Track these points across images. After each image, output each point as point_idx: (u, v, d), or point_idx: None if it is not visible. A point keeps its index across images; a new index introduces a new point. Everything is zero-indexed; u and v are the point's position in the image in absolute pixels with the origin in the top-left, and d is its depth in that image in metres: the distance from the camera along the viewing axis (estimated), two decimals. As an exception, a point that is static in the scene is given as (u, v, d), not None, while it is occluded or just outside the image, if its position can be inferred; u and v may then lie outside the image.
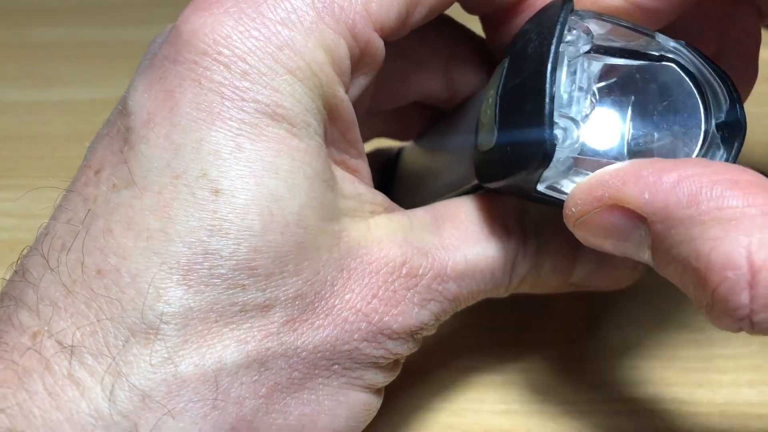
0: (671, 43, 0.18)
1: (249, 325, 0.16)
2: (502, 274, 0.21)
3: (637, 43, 0.18)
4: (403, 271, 0.19)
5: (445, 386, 0.25)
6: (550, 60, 0.17)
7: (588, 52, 0.18)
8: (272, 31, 0.17)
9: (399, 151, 0.30)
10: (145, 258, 0.16)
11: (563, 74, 0.18)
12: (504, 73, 0.19)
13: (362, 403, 0.19)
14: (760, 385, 0.24)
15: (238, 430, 0.16)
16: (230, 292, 0.16)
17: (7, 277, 0.18)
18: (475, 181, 0.21)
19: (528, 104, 0.17)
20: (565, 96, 0.18)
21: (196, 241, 0.16)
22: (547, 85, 0.17)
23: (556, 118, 0.17)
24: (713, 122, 0.18)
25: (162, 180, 0.16)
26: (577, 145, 0.17)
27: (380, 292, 0.18)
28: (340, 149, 0.19)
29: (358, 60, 0.19)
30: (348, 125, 0.19)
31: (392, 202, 0.21)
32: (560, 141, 0.17)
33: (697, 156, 0.18)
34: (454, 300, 0.20)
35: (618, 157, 0.18)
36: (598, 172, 0.17)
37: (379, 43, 0.19)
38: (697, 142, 0.18)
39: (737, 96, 0.18)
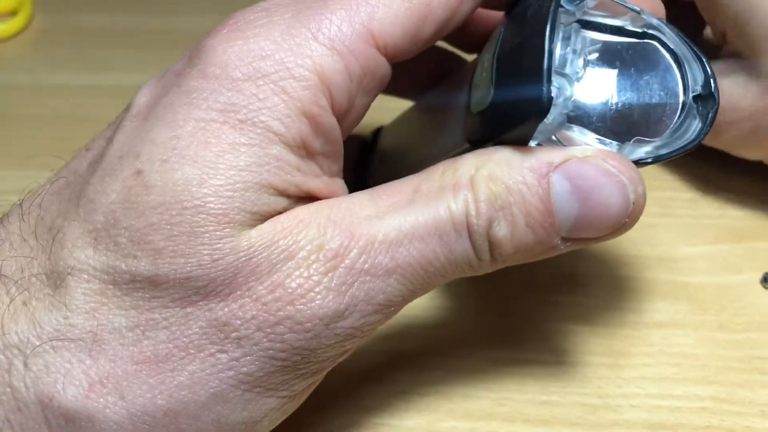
0: (654, 20, 0.19)
1: (139, 294, 0.17)
2: (456, 239, 0.18)
3: (623, 18, 0.19)
4: (321, 255, 0.18)
5: (487, 376, 0.26)
6: (549, 20, 0.18)
7: (580, 22, 0.19)
8: (260, 45, 0.18)
9: (376, 132, 0.30)
10: (77, 222, 0.18)
11: (559, 37, 0.18)
12: (501, 37, 0.20)
13: (245, 402, 0.18)
14: (800, 387, 0.25)
15: (104, 385, 0.17)
16: (125, 260, 0.17)
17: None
18: (466, 145, 0.21)
19: (526, 62, 0.18)
20: (560, 58, 0.18)
21: (109, 212, 0.18)
22: (546, 43, 0.17)
23: (552, 75, 0.17)
24: (690, 94, 0.19)
25: (110, 160, 0.18)
26: (570, 102, 0.18)
27: (288, 280, 0.18)
28: (319, 163, 0.19)
29: (360, 77, 0.19)
30: (328, 138, 0.19)
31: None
32: (555, 97, 0.17)
33: (674, 124, 0.19)
34: (389, 274, 0.18)
35: (603, 119, 0.19)
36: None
37: (381, 61, 0.19)
38: (675, 112, 0.19)
39: (711, 72, 0.19)
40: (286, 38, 0.18)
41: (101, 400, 0.17)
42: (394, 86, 0.23)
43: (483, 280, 0.20)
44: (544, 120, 0.18)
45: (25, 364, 0.17)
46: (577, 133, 0.19)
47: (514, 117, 0.18)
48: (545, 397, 0.25)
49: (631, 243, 0.30)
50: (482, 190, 0.18)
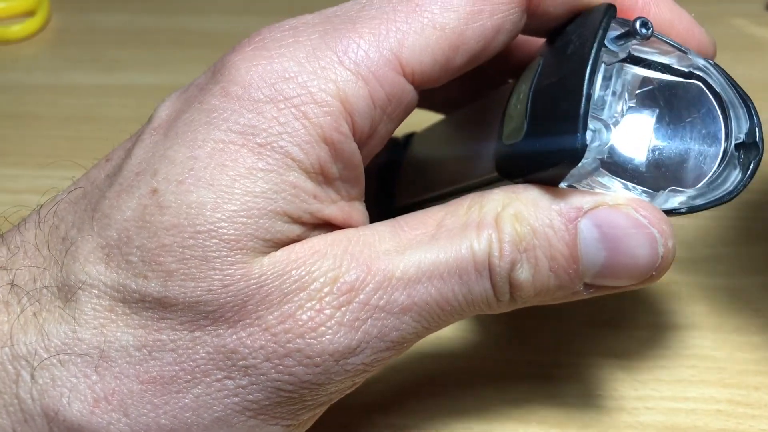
0: (701, 62, 0.19)
1: (148, 314, 0.17)
2: (477, 279, 0.18)
3: (669, 57, 0.19)
4: (335, 288, 0.17)
5: (501, 377, 0.25)
6: (590, 62, 0.17)
7: (625, 59, 0.18)
8: (284, 66, 0.18)
9: (408, 138, 0.30)
10: (90, 236, 0.18)
11: (599, 78, 0.18)
12: (539, 70, 0.19)
13: (249, 429, 0.18)
14: (819, 390, 0.24)
15: (109, 402, 0.17)
16: (136, 279, 0.17)
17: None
18: (495, 174, 0.20)
19: (563, 103, 0.17)
20: (599, 99, 0.18)
21: (123, 229, 0.18)
22: (585, 86, 0.17)
23: (588, 120, 0.17)
24: (732, 142, 0.18)
25: (128, 175, 0.18)
26: (605, 148, 0.18)
27: (299, 312, 0.17)
28: (337, 188, 0.19)
29: (385, 104, 0.19)
30: (348, 164, 0.19)
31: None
32: (590, 142, 0.17)
33: (713, 173, 0.18)
34: (405, 312, 0.18)
35: (638, 166, 0.18)
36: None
37: (408, 89, 0.19)
38: (715, 160, 0.18)
39: (758, 119, 0.18)
40: (311, 60, 0.18)
41: (105, 416, 0.17)
42: (426, 101, 0.22)
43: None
44: (577, 166, 0.17)
45: (32, 376, 0.17)
46: (609, 179, 0.18)
47: (545, 159, 0.18)
48: (560, 399, 0.25)
49: (646, 244, 0.29)
50: (507, 230, 0.18)
